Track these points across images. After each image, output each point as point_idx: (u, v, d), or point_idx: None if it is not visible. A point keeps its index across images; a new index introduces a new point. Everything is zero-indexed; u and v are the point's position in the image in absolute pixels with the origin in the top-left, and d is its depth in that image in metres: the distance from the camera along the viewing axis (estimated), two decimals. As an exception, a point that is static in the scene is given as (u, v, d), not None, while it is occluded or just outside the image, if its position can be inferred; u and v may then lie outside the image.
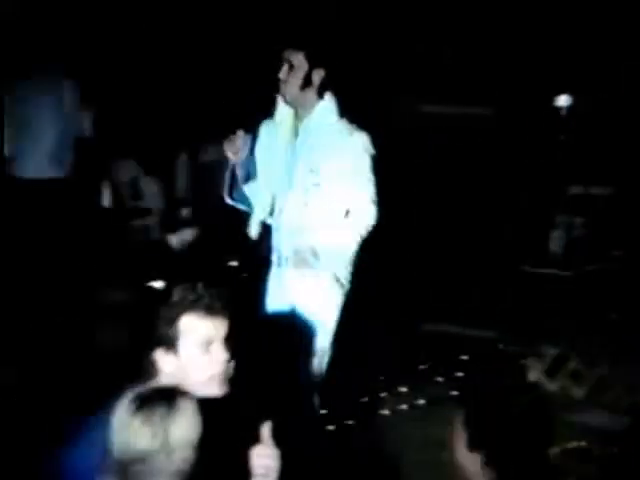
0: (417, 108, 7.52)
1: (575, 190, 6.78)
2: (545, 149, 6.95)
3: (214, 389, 2.50)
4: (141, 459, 2.16)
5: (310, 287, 3.82)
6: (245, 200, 3.99)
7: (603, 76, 6.85)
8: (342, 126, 3.82)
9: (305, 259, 3.78)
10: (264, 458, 2.42)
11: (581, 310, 5.73)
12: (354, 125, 3.84)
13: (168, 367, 2.52)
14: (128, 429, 2.18)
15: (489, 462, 2.22)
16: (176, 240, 5.62)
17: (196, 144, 6.28)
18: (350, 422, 4.76)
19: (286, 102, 3.84)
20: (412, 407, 4.95)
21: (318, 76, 3.80)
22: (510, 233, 6.61)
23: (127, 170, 5.93)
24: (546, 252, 6.52)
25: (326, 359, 3.93)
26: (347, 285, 3.97)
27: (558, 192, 6.71)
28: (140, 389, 2.27)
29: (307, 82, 3.79)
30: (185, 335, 2.52)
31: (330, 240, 3.79)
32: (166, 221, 5.96)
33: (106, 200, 5.68)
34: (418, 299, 6.13)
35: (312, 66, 3.78)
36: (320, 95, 3.81)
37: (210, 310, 2.54)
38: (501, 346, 5.75)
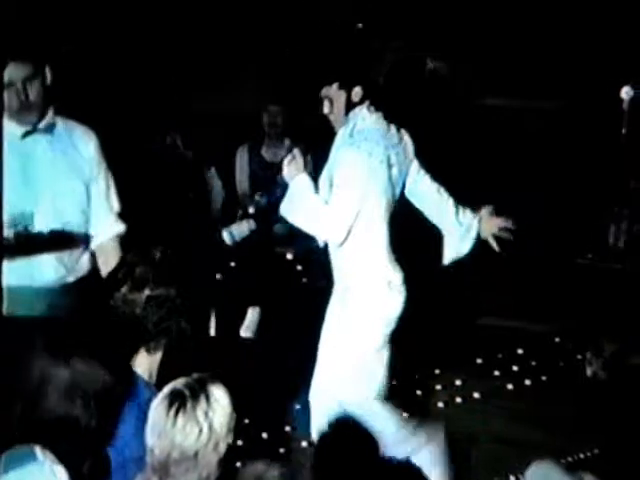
0: (480, 100, 7.50)
1: (637, 183, 6.68)
2: (607, 141, 6.87)
3: None
4: (189, 457, 2.18)
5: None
6: None
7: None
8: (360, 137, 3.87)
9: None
10: None
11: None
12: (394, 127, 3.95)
13: None
14: (173, 430, 2.19)
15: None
16: (229, 234, 5.68)
17: (258, 139, 6.32)
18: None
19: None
20: (467, 400, 4.95)
21: (357, 95, 3.90)
22: (569, 226, 6.54)
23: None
24: (606, 246, 6.44)
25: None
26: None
27: (619, 185, 6.61)
28: (170, 388, 2.29)
29: (350, 105, 3.89)
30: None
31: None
32: (224, 215, 6.01)
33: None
34: (475, 292, 6.11)
35: (349, 90, 3.88)
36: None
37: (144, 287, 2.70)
38: (558, 340, 5.71)
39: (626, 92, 6.63)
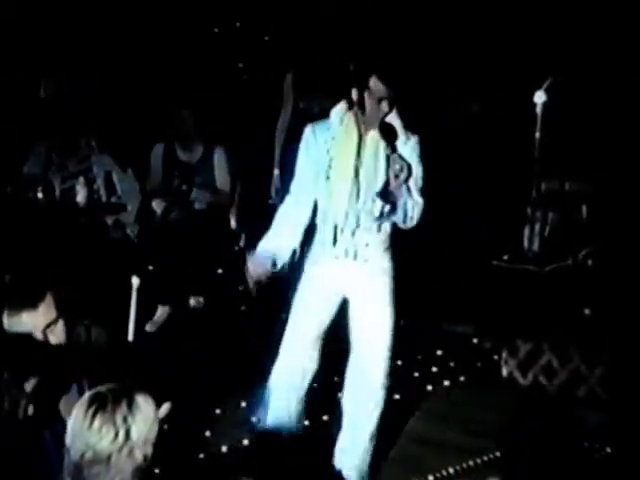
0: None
1: (549, 186, 6.82)
2: (520, 145, 6.99)
3: None
4: (102, 460, 2.17)
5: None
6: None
7: (578, 72, 6.89)
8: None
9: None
10: None
11: (554, 305, 5.77)
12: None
13: None
14: (89, 431, 2.18)
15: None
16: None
17: (174, 140, 6.26)
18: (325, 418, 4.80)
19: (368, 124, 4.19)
20: (386, 402, 4.97)
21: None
22: (484, 229, 6.63)
23: (101, 165, 5.91)
24: (520, 248, 6.55)
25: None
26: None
27: (532, 188, 6.74)
28: (94, 390, 2.27)
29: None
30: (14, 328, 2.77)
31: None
32: (140, 217, 5.95)
33: (80, 195, 5.67)
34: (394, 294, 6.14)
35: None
36: None
37: (23, 304, 2.76)
38: (475, 341, 5.79)
39: (539, 96, 6.75)
